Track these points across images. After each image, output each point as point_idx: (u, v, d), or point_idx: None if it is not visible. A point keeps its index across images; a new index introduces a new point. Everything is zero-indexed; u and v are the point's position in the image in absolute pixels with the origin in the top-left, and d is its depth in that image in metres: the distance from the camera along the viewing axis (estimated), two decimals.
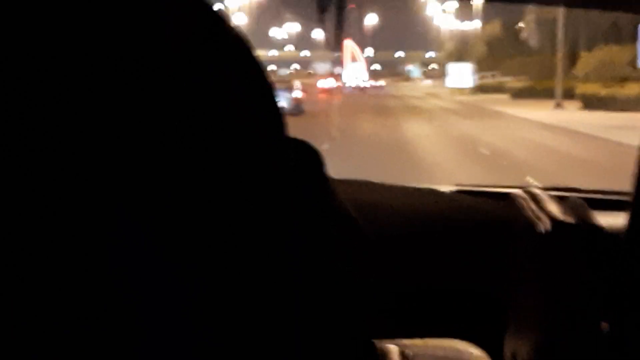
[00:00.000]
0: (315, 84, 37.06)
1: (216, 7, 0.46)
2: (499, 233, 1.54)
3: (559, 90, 25.63)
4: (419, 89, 51.60)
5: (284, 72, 66.66)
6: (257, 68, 0.45)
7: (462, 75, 38.28)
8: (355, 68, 53.59)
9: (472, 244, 1.63)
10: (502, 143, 15.41)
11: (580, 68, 28.79)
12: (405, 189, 1.79)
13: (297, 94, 22.00)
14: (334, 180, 0.55)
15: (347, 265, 0.50)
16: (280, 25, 74.59)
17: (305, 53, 73.12)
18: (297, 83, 23.70)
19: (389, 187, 1.77)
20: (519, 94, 31.90)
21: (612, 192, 1.76)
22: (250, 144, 0.42)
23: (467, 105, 29.31)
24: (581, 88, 25.28)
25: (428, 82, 63.29)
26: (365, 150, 13.28)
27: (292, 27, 74.56)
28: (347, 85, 46.66)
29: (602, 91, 23.68)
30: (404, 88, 52.03)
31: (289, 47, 74.65)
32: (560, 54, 27.32)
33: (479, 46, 45.75)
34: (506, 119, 22.03)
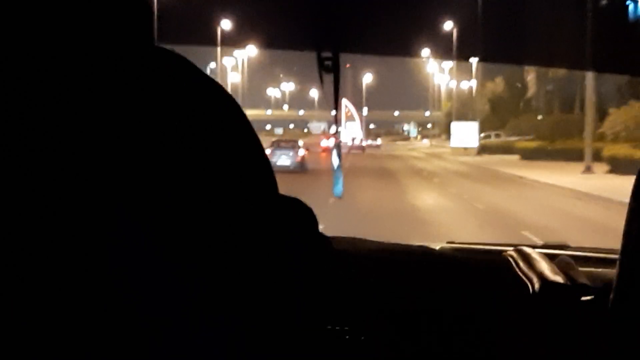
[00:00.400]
0: (312, 143, 39.03)
1: (211, 65, 0.55)
2: (489, 292, 1.52)
3: (588, 152, 22.83)
4: (418, 148, 50.83)
5: (279, 130, 66.48)
6: (248, 129, 0.49)
7: (467, 134, 36.13)
8: (352, 127, 54.42)
9: (462, 302, 1.57)
10: (546, 220, 12.29)
11: (608, 127, 26.46)
12: (396, 246, 1.77)
13: (301, 152, 22.65)
14: (325, 237, 0.60)
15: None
16: (275, 84, 74.80)
17: (300, 112, 72.49)
18: (300, 142, 24.48)
19: (380, 244, 1.73)
20: (530, 155, 30.18)
21: (601, 250, 1.78)
22: (238, 202, 0.46)
23: (477, 168, 26.98)
24: (609, 149, 22.78)
25: (425, 141, 64.56)
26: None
27: (287, 86, 74.65)
28: (344, 144, 46.30)
29: (636, 153, 20.93)
30: (402, 147, 53.27)
31: (284, 106, 74.24)
32: (589, 112, 25.02)
33: (480, 104, 44.87)
34: (530, 186, 19.27)
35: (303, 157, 22.25)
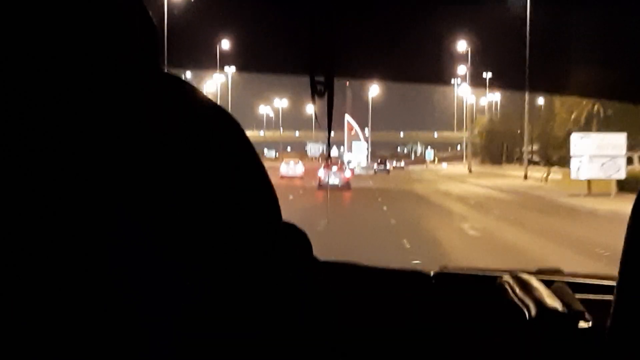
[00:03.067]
0: (310, 170, 39.60)
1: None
2: (484, 318, 1.62)
3: None
4: (460, 177, 40.00)
5: (271, 153, 64.99)
6: (252, 154, 0.56)
7: (603, 153, 20.77)
8: (359, 148, 52.46)
9: (456, 328, 1.66)
10: None
11: None
12: (390, 271, 1.87)
13: (348, 174, 31.37)
14: (320, 261, 0.71)
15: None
16: (267, 102, 74.16)
17: (296, 133, 72.21)
18: (300, 167, 33.76)
19: (374, 269, 1.84)
20: None
21: (596, 276, 1.85)
22: (241, 226, 0.51)
23: None
24: None
25: (445, 165, 60.29)
26: None
27: (280, 103, 73.86)
28: (351, 167, 45.42)
29: None
30: (424, 173, 46.47)
31: (280, 129, 73.73)
32: None
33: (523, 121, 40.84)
34: None
35: (348, 179, 30.05)
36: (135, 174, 0.47)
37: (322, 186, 29.02)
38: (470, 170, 46.02)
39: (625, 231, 1.03)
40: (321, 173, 30.10)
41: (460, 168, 52.56)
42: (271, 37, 2.03)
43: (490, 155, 52.83)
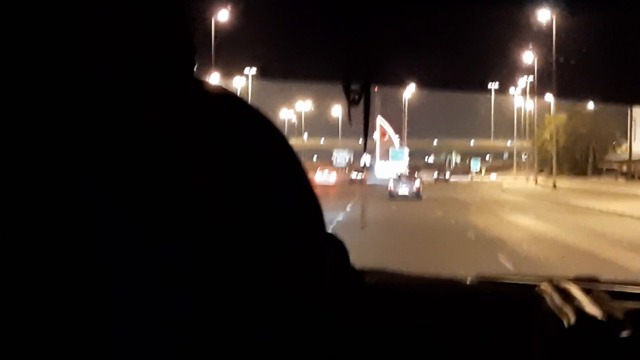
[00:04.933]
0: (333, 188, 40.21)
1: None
2: (522, 325, 1.67)
3: None
4: (530, 196, 34.64)
5: None
6: (295, 162, 0.59)
7: None
8: (398, 155, 49.31)
9: (493, 336, 1.73)
10: None
11: None
12: (427, 279, 1.97)
13: (417, 183, 32.61)
14: (357, 269, 0.76)
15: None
16: (289, 105, 72.49)
17: (321, 140, 71.37)
18: (418, 174, 36.33)
19: (410, 277, 1.93)
20: None
21: (635, 284, 1.94)
22: (285, 240, 0.54)
23: None
24: None
25: (493, 176, 55.92)
26: None
27: (303, 106, 72.14)
28: (379, 178, 43.83)
29: None
30: (481, 189, 40.34)
31: (304, 135, 72.66)
32: None
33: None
34: None
35: (419, 188, 31.74)
36: (173, 187, 0.50)
37: (392, 196, 30.74)
38: (554, 186, 38.14)
39: None
40: (391, 183, 32.71)
41: (519, 180, 45.82)
42: (303, 43, 2.13)
43: (569, 164, 45.93)
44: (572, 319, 1.46)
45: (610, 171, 42.25)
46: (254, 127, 0.58)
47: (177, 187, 0.50)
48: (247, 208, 0.52)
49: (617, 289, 1.85)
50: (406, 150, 51.57)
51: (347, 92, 1.89)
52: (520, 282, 1.98)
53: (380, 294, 1.67)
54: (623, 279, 2.04)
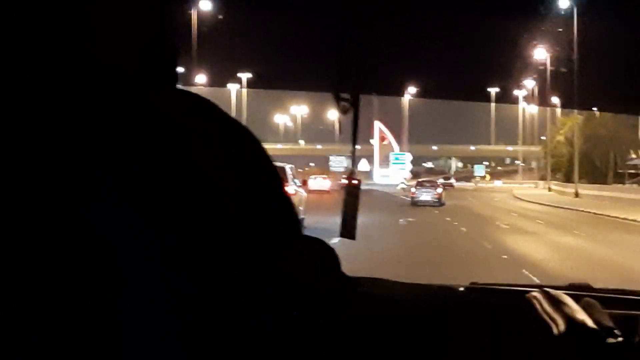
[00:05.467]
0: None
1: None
2: (513, 333, 1.68)
3: None
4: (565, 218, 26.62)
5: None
6: (270, 169, 0.61)
7: None
8: (400, 160, 47.42)
9: (485, 343, 1.73)
10: None
11: None
12: (419, 286, 2.01)
13: (439, 190, 33.59)
14: (349, 276, 0.73)
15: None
16: (284, 110, 71.78)
17: (318, 146, 71.02)
18: (439, 181, 37.35)
19: (403, 284, 1.96)
20: None
21: (625, 292, 2.02)
22: (256, 242, 0.56)
23: None
24: None
25: (498, 182, 54.64)
26: None
27: (298, 110, 71.50)
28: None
29: None
30: (501, 200, 36.46)
31: (300, 141, 71.92)
32: None
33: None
34: None
35: (440, 194, 32.57)
36: (151, 192, 0.53)
37: (414, 202, 31.55)
38: (577, 194, 34.68)
39: None
40: (414, 189, 33.47)
41: (527, 187, 42.74)
42: (293, 53, 2.17)
43: (588, 169, 40.98)
44: (562, 327, 1.51)
45: (634, 176, 38.66)
46: (228, 134, 0.61)
47: (150, 190, 0.52)
48: (215, 210, 0.54)
49: (609, 296, 1.90)
50: (408, 155, 50.04)
51: (338, 102, 1.94)
52: (512, 290, 2.04)
53: (372, 302, 1.72)
54: (615, 287, 2.09)
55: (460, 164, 73.97)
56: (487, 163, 71.61)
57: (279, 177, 0.62)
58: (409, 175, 45.62)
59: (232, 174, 0.58)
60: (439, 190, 33.30)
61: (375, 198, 33.06)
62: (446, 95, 2.75)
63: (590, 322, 1.51)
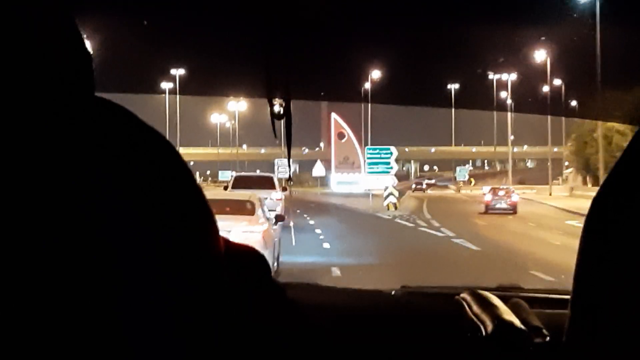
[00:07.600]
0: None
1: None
2: (444, 335, 1.83)
3: None
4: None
5: (226, 175, 56.48)
6: (189, 180, 0.64)
7: None
8: (379, 159, 35.74)
9: (416, 347, 1.86)
10: None
11: None
12: (351, 291, 2.18)
13: (515, 197, 34.42)
14: (280, 284, 0.82)
15: None
16: (221, 109, 68.41)
17: (262, 150, 69.80)
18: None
19: (334, 290, 2.20)
20: None
21: (556, 291, 2.22)
22: (178, 252, 0.59)
23: None
24: None
25: (486, 189, 40.21)
26: None
27: (236, 106, 65.60)
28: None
29: None
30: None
31: (243, 146, 69.84)
32: None
33: None
34: None
35: (515, 203, 33.92)
36: (68, 203, 0.57)
37: (488, 210, 32.77)
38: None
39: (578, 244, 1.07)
40: (488, 197, 34.15)
41: (530, 194, 40.07)
42: (222, 58, 2.29)
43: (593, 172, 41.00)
44: (490, 328, 1.62)
45: None
46: (145, 143, 0.65)
47: (57, 197, 0.57)
48: (131, 219, 0.59)
49: (538, 296, 2.07)
50: (394, 150, 38.30)
51: (271, 107, 2.06)
52: (443, 292, 2.19)
53: (303, 308, 1.84)
54: (545, 288, 2.28)
55: (426, 166, 73.48)
56: (467, 166, 70.19)
57: (196, 185, 0.66)
58: (394, 181, 36.16)
59: (146, 183, 0.62)
60: (515, 198, 34.26)
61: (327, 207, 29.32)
62: (405, 100, 2.82)
63: (517, 322, 1.61)
